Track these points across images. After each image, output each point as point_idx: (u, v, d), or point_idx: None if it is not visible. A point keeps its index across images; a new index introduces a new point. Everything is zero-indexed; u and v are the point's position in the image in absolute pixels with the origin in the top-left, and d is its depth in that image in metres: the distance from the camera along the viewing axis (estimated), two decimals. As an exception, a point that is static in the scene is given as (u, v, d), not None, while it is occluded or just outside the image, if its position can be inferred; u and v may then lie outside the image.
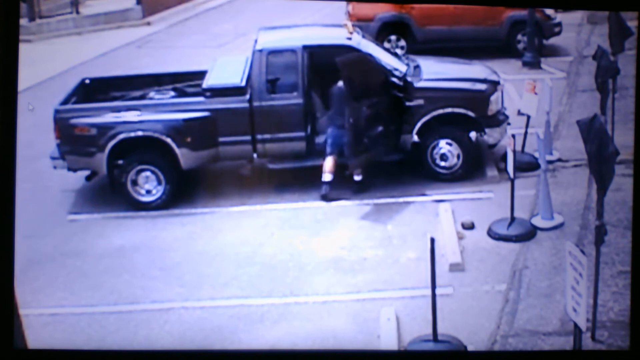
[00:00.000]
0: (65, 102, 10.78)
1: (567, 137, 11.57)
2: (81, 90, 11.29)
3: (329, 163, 10.36)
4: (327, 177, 10.33)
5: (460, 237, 9.39)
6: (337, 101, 10.42)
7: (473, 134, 10.82)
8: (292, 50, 10.64)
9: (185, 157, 10.41)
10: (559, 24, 15.35)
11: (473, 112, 10.70)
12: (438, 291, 7.51)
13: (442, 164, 10.77)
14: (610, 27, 11.81)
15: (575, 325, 6.84)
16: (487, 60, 12.85)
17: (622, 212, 9.26)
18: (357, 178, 10.43)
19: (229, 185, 10.77)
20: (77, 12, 18.14)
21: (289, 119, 10.48)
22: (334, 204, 10.19)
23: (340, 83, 10.36)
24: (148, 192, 10.44)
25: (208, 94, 10.56)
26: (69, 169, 10.57)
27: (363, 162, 10.43)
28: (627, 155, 8.02)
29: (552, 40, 15.47)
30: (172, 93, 11.30)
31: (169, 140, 10.36)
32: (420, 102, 10.65)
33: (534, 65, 14.55)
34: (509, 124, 11.09)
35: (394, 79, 10.68)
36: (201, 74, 11.08)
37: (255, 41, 10.84)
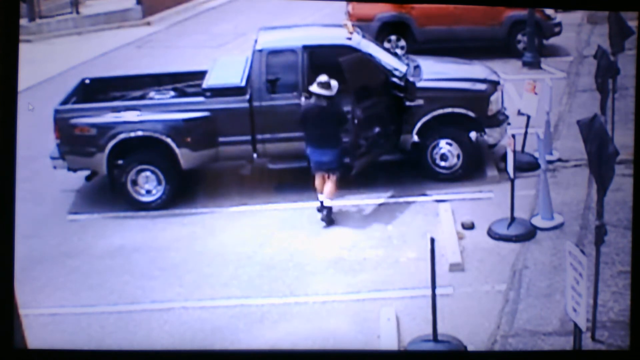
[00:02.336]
0: (65, 102, 10.79)
1: (567, 137, 11.57)
2: (81, 90, 11.30)
3: (318, 181, 9.99)
4: (321, 197, 9.95)
5: (460, 237, 9.39)
6: (311, 120, 9.91)
7: (473, 134, 10.82)
8: (292, 50, 10.64)
9: (185, 157, 10.41)
10: (559, 24, 15.35)
11: (473, 112, 10.70)
12: (438, 291, 7.51)
13: (442, 164, 10.77)
14: (610, 27, 11.82)
15: (575, 325, 6.84)
16: (487, 60, 12.86)
17: (622, 212, 9.26)
18: (328, 203, 9.95)
19: (229, 185, 10.77)
20: (77, 12, 18.15)
21: (289, 119, 10.47)
22: (332, 203, 10.18)
23: (312, 100, 9.91)
24: (148, 192, 10.44)
25: (208, 94, 10.56)
26: (69, 169, 10.58)
27: (365, 164, 10.38)
28: (627, 155, 8.02)
29: (552, 40, 15.48)
30: (172, 93, 11.30)
31: (169, 140, 10.36)
32: (420, 102, 10.65)
33: (534, 65, 14.55)
34: (509, 124, 11.09)
35: (395, 79, 10.68)
36: (201, 74, 11.09)
37: (255, 41, 10.84)
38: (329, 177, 9.92)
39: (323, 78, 9.83)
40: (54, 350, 7.45)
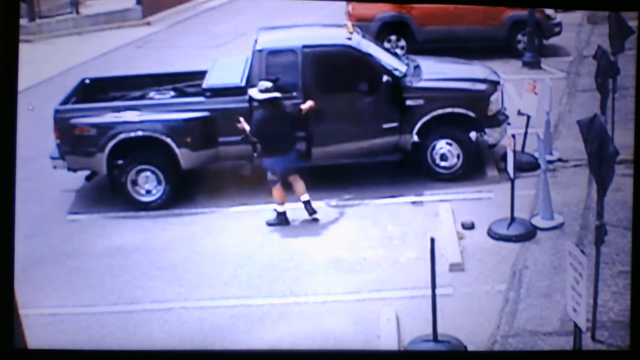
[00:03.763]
0: (65, 102, 10.79)
1: (567, 137, 11.57)
2: (81, 90, 11.30)
3: (279, 193, 9.90)
4: (280, 208, 9.89)
5: (460, 237, 9.39)
6: (271, 127, 9.86)
7: (473, 134, 10.82)
8: (292, 50, 10.64)
9: (185, 157, 10.41)
10: (559, 24, 15.35)
11: (473, 112, 10.70)
12: (438, 291, 7.51)
13: (442, 164, 10.77)
14: (610, 27, 11.81)
15: (575, 325, 6.84)
16: (487, 60, 12.86)
17: (622, 212, 9.26)
18: (304, 198, 9.91)
19: (229, 185, 10.77)
20: (77, 12, 18.15)
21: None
22: (333, 203, 10.19)
23: (261, 109, 9.92)
24: (148, 192, 10.44)
25: (208, 94, 10.56)
26: (69, 169, 10.58)
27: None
28: (627, 155, 8.01)
29: (552, 40, 15.47)
30: (172, 93, 11.30)
31: (169, 140, 10.36)
32: (420, 102, 10.65)
33: (534, 65, 14.55)
34: (509, 124, 11.09)
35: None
36: (201, 74, 11.09)
37: (255, 41, 10.84)
38: (293, 179, 9.91)
39: (266, 84, 9.89)
40: (54, 350, 7.45)
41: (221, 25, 17.35)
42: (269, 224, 9.87)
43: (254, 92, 9.98)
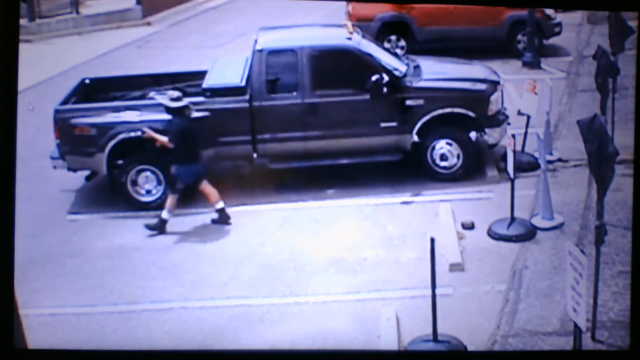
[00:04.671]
0: (65, 102, 10.79)
1: (567, 137, 11.57)
2: (81, 90, 11.29)
3: (173, 201, 9.89)
4: (165, 215, 9.82)
5: (460, 237, 9.39)
6: (189, 134, 9.98)
7: (473, 134, 10.82)
8: (292, 50, 10.65)
9: (185, 157, 10.40)
10: (559, 24, 15.35)
11: (473, 112, 10.70)
12: (438, 291, 7.51)
13: (442, 164, 10.77)
14: (610, 27, 11.82)
15: (575, 325, 6.85)
16: (487, 60, 12.86)
17: (622, 212, 9.26)
18: (219, 205, 9.94)
19: (229, 185, 10.76)
20: (77, 12, 18.14)
21: (289, 119, 10.48)
22: (332, 203, 10.19)
23: (177, 119, 9.98)
24: (148, 192, 10.44)
25: (208, 94, 10.56)
26: (69, 169, 10.58)
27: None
28: (627, 155, 8.02)
29: (552, 40, 15.47)
30: (172, 93, 11.30)
31: (169, 140, 10.36)
32: (420, 102, 10.65)
33: (534, 65, 14.55)
34: (509, 124, 11.09)
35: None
36: (201, 74, 11.09)
37: (255, 41, 10.84)
38: (204, 187, 9.94)
39: (176, 93, 10.06)
40: (54, 350, 7.45)
41: (221, 25, 17.35)
42: (148, 228, 9.80)
43: (165, 101, 10.04)
